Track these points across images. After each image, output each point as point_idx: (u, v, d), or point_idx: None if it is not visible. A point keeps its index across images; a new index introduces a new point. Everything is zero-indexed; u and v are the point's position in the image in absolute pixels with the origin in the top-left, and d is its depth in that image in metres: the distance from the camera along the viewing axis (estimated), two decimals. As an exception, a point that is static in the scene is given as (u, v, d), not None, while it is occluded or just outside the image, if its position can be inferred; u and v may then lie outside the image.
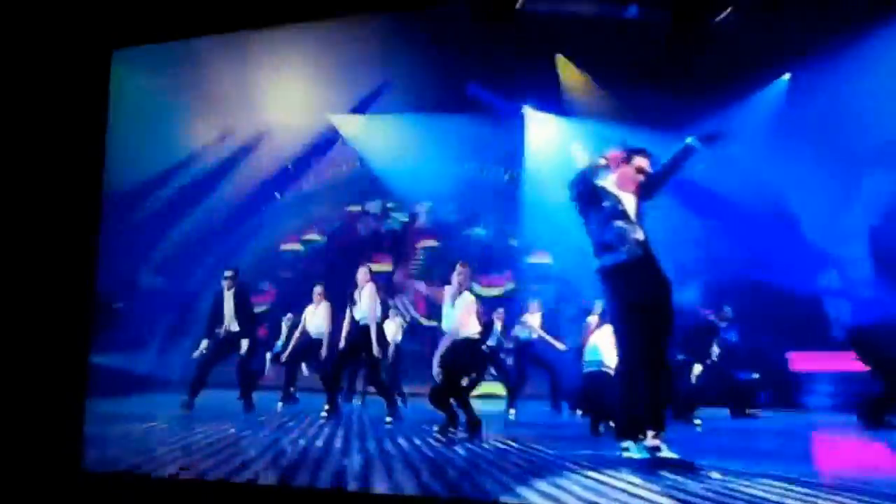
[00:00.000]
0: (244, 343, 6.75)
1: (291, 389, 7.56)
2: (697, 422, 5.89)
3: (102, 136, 4.25)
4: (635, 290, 3.35)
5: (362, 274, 6.13)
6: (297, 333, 7.30)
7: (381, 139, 11.17)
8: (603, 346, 4.93)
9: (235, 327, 6.80)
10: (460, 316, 4.92)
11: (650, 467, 3.15)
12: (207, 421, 5.42)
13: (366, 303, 6.01)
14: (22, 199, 4.02)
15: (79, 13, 4.06)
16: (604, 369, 4.82)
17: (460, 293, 4.98)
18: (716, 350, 6.74)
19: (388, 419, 5.64)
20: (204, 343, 6.72)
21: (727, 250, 8.98)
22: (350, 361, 6.53)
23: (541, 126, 10.20)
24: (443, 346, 4.94)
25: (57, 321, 3.98)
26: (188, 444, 4.10)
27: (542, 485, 2.78)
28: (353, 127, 11.38)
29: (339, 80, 9.86)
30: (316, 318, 7.01)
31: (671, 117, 7.31)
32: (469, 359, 4.95)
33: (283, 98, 10.02)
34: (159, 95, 8.78)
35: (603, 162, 3.61)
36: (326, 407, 5.92)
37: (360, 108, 10.93)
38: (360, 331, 6.04)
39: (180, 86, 9.11)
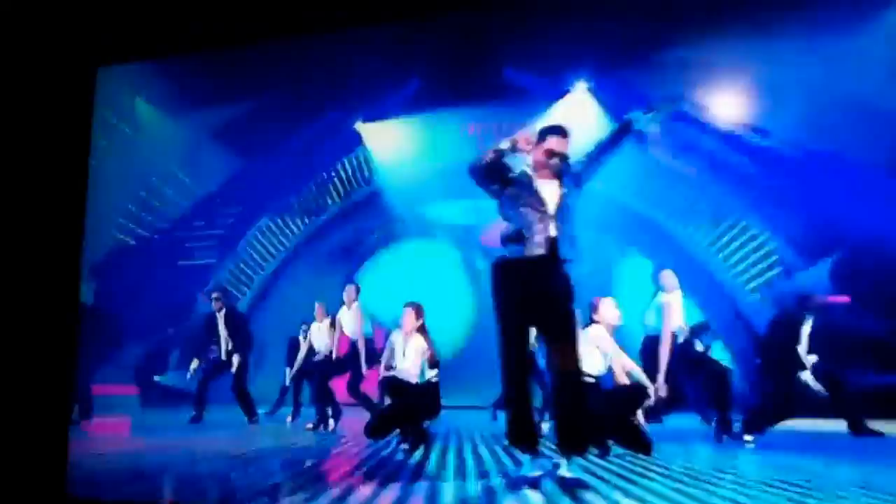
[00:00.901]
0: (235, 360, 6.77)
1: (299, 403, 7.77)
2: (748, 438, 4.94)
3: (86, 155, 4.23)
4: (519, 290, 3.07)
5: (349, 292, 6.30)
6: (303, 350, 7.41)
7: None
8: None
9: (231, 347, 6.95)
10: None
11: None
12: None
13: (353, 319, 6.12)
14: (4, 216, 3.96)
15: (62, 30, 4.03)
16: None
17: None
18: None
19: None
20: (195, 363, 6.79)
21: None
22: (337, 375, 6.62)
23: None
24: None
25: (42, 341, 3.91)
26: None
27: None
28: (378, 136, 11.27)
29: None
30: (321, 334, 7.09)
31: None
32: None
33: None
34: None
35: (507, 145, 3.18)
36: (316, 419, 6.22)
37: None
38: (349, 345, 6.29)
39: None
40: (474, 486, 3.07)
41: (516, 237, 3.11)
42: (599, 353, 4.39)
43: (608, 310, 4.56)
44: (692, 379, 5.64)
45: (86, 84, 4.31)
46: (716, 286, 9.63)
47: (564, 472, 3.00)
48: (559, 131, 3.24)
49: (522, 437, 3.09)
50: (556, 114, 9.77)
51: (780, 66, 8.06)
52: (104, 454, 4.60)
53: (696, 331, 5.73)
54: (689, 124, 9.23)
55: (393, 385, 4.72)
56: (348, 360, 6.28)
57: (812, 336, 5.21)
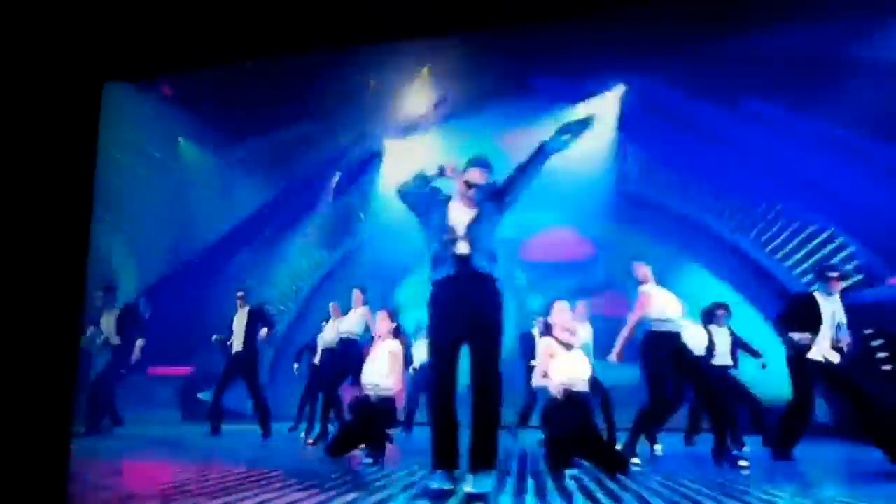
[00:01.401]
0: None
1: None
2: (743, 463, 4.41)
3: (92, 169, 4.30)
4: (437, 310, 3.30)
5: (355, 296, 6.58)
6: (319, 349, 7.41)
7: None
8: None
9: (240, 346, 7.07)
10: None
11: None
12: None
13: (355, 322, 6.36)
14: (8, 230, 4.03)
15: (69, 44, 4.13)
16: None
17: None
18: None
19: None
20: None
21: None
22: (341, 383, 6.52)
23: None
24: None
25: (43, 347, 3.93)
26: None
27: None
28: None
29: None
30: (330, 331, 7.15)
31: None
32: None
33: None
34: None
35: (434, 171, 3.49)
36: (317, 432, 6.14)
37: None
38: (345, 345, 6.25)
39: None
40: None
41: (434, 259, 3.35)
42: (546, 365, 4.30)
43: (557, 315, 4.39)
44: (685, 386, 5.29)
45: (93, 100, 4.40)
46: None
47: (468, 487, 3.03)
48: (481, 163, 3.49)
49: (442, 456, 3.17)
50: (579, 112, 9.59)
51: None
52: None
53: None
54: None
55: (353, 402, 4.84)
56: (348, 366, 6.16)
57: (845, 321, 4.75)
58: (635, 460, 4.41)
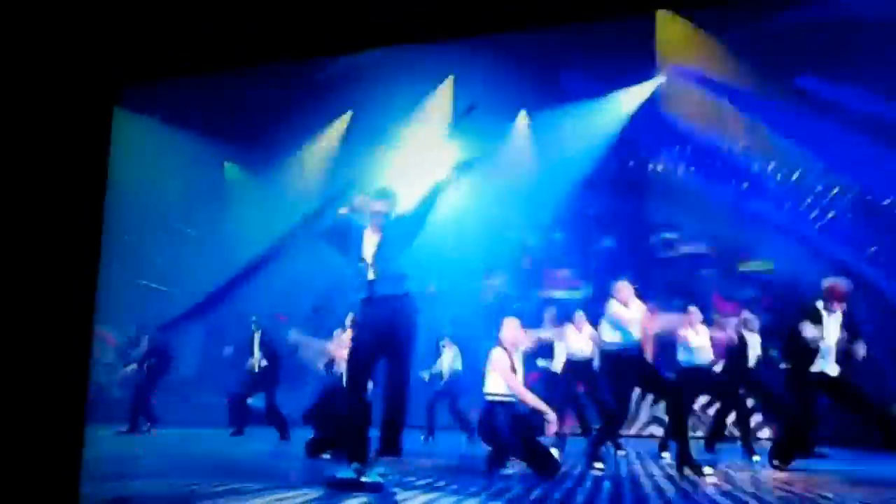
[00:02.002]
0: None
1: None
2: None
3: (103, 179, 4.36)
4: (356, 328, 3.91)
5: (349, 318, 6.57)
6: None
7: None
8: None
9: (264, 363, 7.75)
10: None
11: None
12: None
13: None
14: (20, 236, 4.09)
15: (83, 51, 4.25)
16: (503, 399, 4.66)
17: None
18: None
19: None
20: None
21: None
22: None
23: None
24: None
25: (58, 342, 3.98)
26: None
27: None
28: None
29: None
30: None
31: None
32: None
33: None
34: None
35: (345, 209, 3.98)
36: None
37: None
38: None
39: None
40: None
41: (354, 283, 3.83)
42: (497, 374, 4.55)
43: (506, 330, 4.65)
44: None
45: (106, 110, 4.49)
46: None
47: (367, 478, 3.53)
48: (382, 195, 3.92)
49: (353, 451, 3.66)
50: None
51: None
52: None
53: None
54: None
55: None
56: None
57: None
58: (598, 465, 4.67)
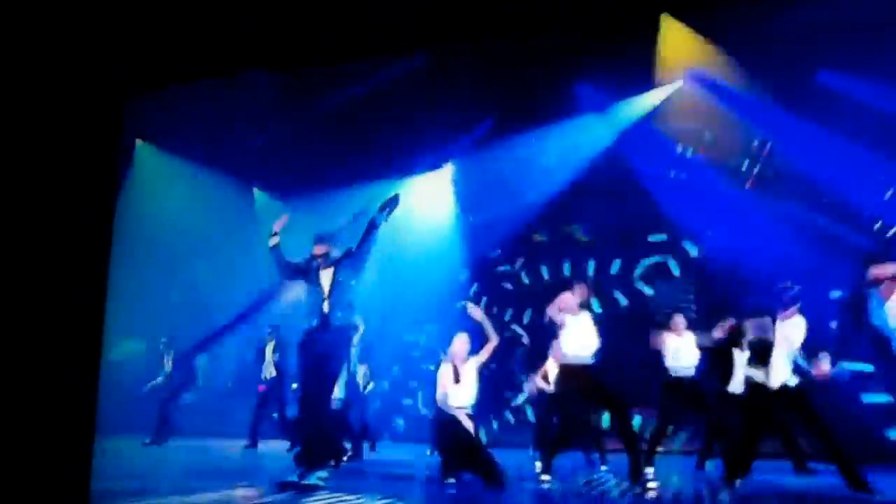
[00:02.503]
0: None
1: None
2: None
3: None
4: (302, 351, 4.46)
5: None
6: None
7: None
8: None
9: (273, 372, 8.23)
10: None
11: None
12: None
13: None
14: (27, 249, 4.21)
15: (89, 63, 4.30)
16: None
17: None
18: None
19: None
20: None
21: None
22: None
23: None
24: None
25: (68, 347, 4.00)
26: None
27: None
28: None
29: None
30: None
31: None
32: None
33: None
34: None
35: (275, 241, 4.74)
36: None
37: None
38: None
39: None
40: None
41: (308, 312, 4.52)
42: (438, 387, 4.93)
43: (453, 345, 4.98)
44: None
45: (115, 119, 4.54)
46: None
47: (307, 481, 4.16)
48: (319, 239, 4.73)
49: (299, 454, 4.41)
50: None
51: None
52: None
53: None
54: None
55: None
56: None
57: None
58: (545, 477, 4.82)
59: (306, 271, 4.66)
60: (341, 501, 3.76)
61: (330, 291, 4.48)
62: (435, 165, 10.90)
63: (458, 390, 4.84)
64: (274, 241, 4.73)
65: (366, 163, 10.54)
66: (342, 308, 4.46)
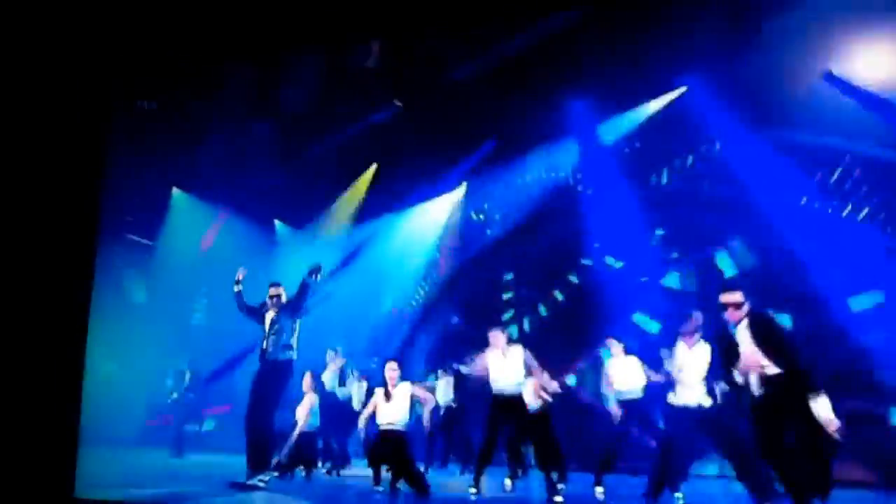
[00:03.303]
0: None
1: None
2: (678, 495, 5.01)
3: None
4: (256, 376, 5.24)
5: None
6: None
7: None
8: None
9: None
10: None
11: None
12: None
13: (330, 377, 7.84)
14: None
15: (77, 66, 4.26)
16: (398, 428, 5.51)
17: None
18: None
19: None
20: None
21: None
22: None
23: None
24: None
25: (53, 342, 3.42)
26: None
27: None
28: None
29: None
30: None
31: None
32: None
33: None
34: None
35: (238, 287, 5.60)
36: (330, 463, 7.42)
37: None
38: None
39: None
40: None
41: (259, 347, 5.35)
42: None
43: (387, 372, 5.60)
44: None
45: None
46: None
47: (254, 482, 4.93)
48: (275, 284, 5.50)
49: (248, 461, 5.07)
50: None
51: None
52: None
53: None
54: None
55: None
56: None
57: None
58: (473, 490, 5.29)
59: (259, 313, 5.47)
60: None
61: (269, 331, 5.30)
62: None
63: (388, 409, 5.45)
64: (237, 288, 5.58)
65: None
66: (278, 346, 5.22)
